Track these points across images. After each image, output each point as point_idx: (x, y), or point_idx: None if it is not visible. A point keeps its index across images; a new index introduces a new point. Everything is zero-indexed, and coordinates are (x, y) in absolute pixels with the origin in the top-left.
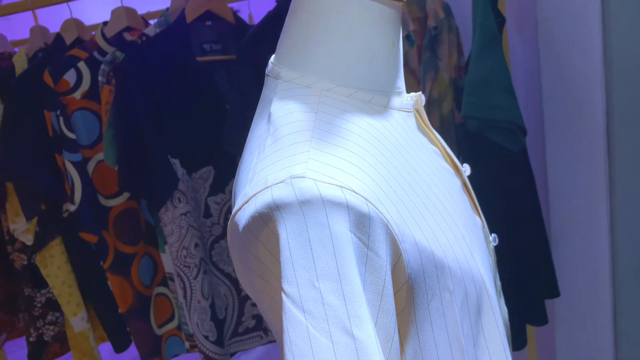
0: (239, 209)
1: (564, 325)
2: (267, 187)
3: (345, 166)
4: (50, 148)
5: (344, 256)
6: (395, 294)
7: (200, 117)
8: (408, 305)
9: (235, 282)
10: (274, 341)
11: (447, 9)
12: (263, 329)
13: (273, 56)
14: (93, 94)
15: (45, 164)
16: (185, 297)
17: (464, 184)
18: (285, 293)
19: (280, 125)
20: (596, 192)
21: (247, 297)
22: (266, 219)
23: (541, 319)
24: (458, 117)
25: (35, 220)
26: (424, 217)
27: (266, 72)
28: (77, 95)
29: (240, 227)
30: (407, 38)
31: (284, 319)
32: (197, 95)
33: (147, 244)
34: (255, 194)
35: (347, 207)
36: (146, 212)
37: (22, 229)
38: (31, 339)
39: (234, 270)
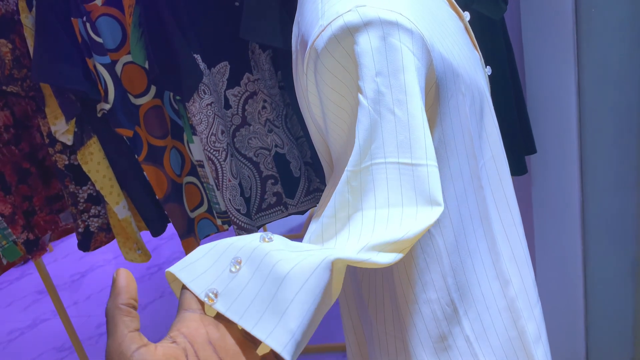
0: (317, 36)
1: (539, 177)
2: (339, 16)
3: None
4: (80, 53)
5: (393, 59)
6: (427, 93)
7: (213, 16)
8: (435, 101)
9: (256, 164)
10: (293, 214)
11: None
12: (283, 203)
13: None
14: (111, 0)
15: (79, 67)
16: (217, 178)
17: (465, 27)
18: (357, 88)
19: None
20: (565, 56)
21: (267, 178)
22: (340, 38)
23: (522, 169)
24: None
25: (73, 121)
26: (444, 40)
27: None
28: (99, 1)
29: (319, 49)
30: None
31: (358, 107)
32: None
33: (174, 138)
34: (330, 22)
35: (397, 25)
36: (169, 109)
37: (63, 130)
38: (80, 230)
39: (255, 154)
